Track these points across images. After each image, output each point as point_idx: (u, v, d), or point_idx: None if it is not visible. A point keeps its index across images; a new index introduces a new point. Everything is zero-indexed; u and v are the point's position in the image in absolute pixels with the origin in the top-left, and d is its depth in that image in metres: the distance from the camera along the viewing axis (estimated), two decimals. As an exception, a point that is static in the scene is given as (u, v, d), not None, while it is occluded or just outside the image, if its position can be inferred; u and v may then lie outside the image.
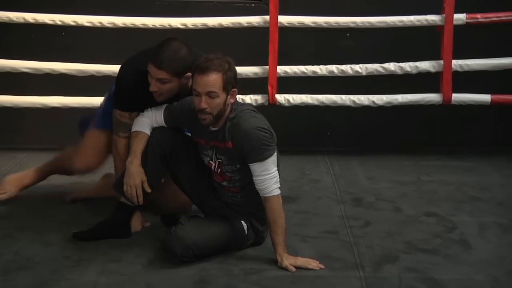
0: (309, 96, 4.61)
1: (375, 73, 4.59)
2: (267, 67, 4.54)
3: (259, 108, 3.31)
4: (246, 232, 3.23)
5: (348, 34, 4.85)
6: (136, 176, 3.24)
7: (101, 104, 3.68)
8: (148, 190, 3.27)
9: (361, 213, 3.78)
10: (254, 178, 3.10)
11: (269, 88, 4.55)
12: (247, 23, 4.52)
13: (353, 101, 4.61)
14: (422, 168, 4.62)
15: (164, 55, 3.18)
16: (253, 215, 3.25)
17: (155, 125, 3.32)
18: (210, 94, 3.04)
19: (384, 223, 3.64)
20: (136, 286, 2.95)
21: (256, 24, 4.53)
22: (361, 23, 4.53)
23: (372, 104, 4.62)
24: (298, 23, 4.54)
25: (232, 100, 3.12)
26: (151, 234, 3.44)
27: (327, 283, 2.97)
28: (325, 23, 4.53)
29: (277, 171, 3.12)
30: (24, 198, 3.92)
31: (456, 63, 4.56)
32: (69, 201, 3.87)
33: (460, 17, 4.53)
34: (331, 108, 4.69)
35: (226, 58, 3.09)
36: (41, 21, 4.48)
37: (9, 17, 4.47)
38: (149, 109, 3.34)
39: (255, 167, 3.08)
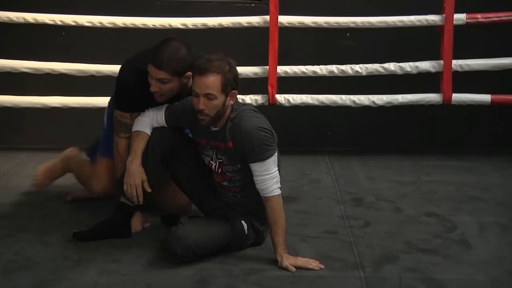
0: (309, 96, 4.61)
1: (375, 73, 4.59)
2: (267, 67, 4.54)
3: (259, 108, 3.31)
4: (246, 232, 3.23)
5: (348, 34, 4.85)
6: (136, 176, 3.24)
7: (104, 123, 3.66)
8: (148, 189, 3.27)
9: (361, 213, 3.78)
10: (254, 178, 3.10)
11: (269, 88, 4.55)
12: (247, 23, 4.53)
13: (353, 101, 4.61)
14: (422, 168, 4.62)
15: (164, 55, 3.18)
16: (253, 215, 3.25)
17: (156, 125, 3.32)
18: (208, 96, 3.04)
19: (384, 223, 3.64)
20: (136, 286, 2.95)
21: (256, 24, 4.53)
22: (361, 23, 4.53)
23: (372, 104, 4.62)
24: (298, 23, 4.54)
25: (231, 102, 3.11)
26: (151, 234, 3.44)
27: (327, 283, 2.97)
28: (325, 23, 4.53)
29: (277, 171, 3.12)
30: (24, 198, 3.93)
31: (456, 63, 4.56)
32: (70, 201, 3.87)
33: (460, 17, 4.53)
34: (331, 108, 4.69)
35: (228, 59, 3.08)
36: (41, 21, 4.48)
37: (9, 17, 4.47)
38: (149, 109, 3.34)
39: (256, 167, 3.08)
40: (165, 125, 3.32)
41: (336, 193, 4.11)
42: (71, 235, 3.35)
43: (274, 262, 3.10)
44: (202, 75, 3.03)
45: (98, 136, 3.75)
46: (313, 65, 4.60)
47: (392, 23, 4.53)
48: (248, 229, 3.24)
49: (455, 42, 4.53)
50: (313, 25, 4.54)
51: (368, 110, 4.68)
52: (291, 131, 4.74)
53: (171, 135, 3.31)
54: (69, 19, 4.47)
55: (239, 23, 4.52)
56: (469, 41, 4.67)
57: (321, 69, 4.59)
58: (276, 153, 3.12)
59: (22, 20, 4.48)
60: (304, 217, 3.71)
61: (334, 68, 4.58)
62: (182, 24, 4.48)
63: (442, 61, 4.57)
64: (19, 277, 3.00)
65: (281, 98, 4.58)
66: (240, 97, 3.20)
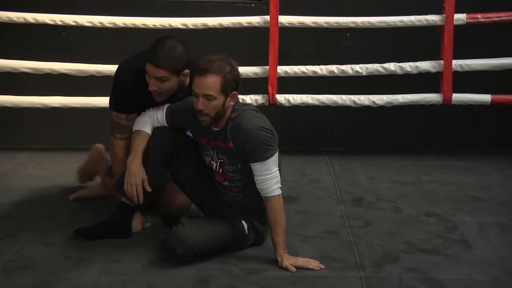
0: (309, 96, 4.61)
1: (376, 73, 4.58)
2: (268, 67, 4.54)
3: (260, 108, 3.31)
4: (246, 232, 3.23)
5: (348, 34, 4.85)
6: (137, 175, 3.24)
7: None
8: (149, 189, 3.27)
9: (361, 213, 3.78)
10: (255, 178, 3.10)
11: (270, 88, 4.55)
12: (247, 23, 4.52)
13: (354, 101, 4.61)
14: (422, 168, 4.62)
15: (161, 53, 3.18)
16: (253, 215, 3.25)
17: (157, 124, 3.32)
18: (207, 97, 3.03)
19: (384, 223, 3.64)
20: (136, 286, 2.95)
21: (256, 24, 4.53)
22: (362, 23, 4.53)
23: (372, 104, 4.62)
24: (298, 23, 4.54)
25: (232, 103, 3.11)
26: (151, 234, 3.44)
27: (327, 283, 2.97)
28: (325, 23, 4.53)
29: (278, 171, 3.12)
30: (24, 198, 3.93)
31: (457, 63, 4.56)
32: (72, 200, 3.87)
33: (460, 17, 4.53)
34: (332, 108, 4.69)
35: (229, 60, 3.08)
36: (41, 21, 4.48)
37: (9, 17, 4.47)
38: (150, 108, 3.34)
39: (257, 167, 3.08)
40: (166, 124, 3.32)
41: (336, 193, 4.11)
42: (73, 231, 3.34)
43: (274, 262, 3.10)
44: (202, 76, 3.03)
45: None
46: (313, 65, 4.60)
47: (392, 23, 4.53)
48: (248, 229, 3.24)
49: (455, 42, 4.53)
50: (313, 25, 4.54)
51: (368, 110, 4.68)
52: (291, 131, 4.74)
53: (172, 135, 3.31)
54: (69, 19, 4.47)
55: (239, 23, 4.52)
56: (469, 41, 4.67)
57: (321, 69, 4.59)
58: (276, 153, 3.12)
59: (22, 20, 4.47)
60: (304, 217, 3.71)
61: (334, 68, 4.58)
62: (182, 24, 4.48)
63: (442, 61, 4.57)
64: (19, 277, 3.00)
65: (281, 98, 4.58)
66: (240, 97, 3.20)
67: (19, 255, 3.20)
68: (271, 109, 4.46)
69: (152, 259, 3.17)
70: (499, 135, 5.08)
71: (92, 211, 3.68)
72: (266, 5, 4.66)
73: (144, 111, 3.37)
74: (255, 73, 4.56)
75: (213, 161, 3.24)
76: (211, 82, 3.02)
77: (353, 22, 4.53)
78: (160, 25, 4.47)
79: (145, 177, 3.26)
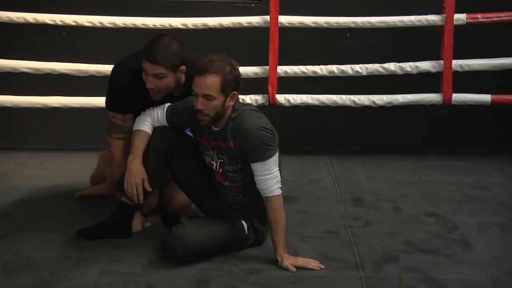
0: (309, 96, 4.61)
1: (376, 73, 4.58)
2: (268, 67, 4.54)
3: (260, 108, 3.31)
4: (246, 232, 3.23)
5: (348, 34, 4.85)
6: (137, 175, 3.24)
7: None
8: (149, 188, 3.27)
9: (361, 213, 3.78)
10: (255, 177, 3.10)
11: (270, 88, 4.55)
12: (247, 23, 4.52)
13: (354, 101, 4.61)
14: (422, 168, 4.62)
15: (158, 50, 3.19)
16: (254, 215, 3.25)
17: (157, 124, 3.32)
18: (207, 97, 3.04)
19: (384, 223, 3.64)
20: (136, 286, 2.94)
21: (256, 24, 4.53)
22: (362, 23, 4.53)
23: (372, 104, 4.62)
24: (298, 23, 4.54)
25: (232, 103, 3.11)
26: (151, 234, 3.44)
27: (327, 283, 2.97)
28: (325, 23, 4.53)
29: (278, 171, 3.12)
30: (24, 198, 3.93)
31: (457, 63, 4.56)
32: (78, 198, 3.87)
33: (460, 17, 4.53)
34: (332, 108, 4.68)
35: (229, 60, 3.08)
36: (41, 21, 4.48)
37: (9, 17, 4.47)
38: (151, 108, 3.34)
39: (257, 167, 3.08)
40: (166, 124, 3.32)
41: (336, 193, 4.11)
42: (76, 232, 3.34)
43: (274, 262, 3.10)
44: (202, 75, 3.03)
45: None
46: (313, 65, 4.60)
47: (392, 23, 4.53)
48: (248, 229, 3.24)
49: (455, 42, 4.53)
50: (313, 25, 4.54)
51: (368, 110, 4.68)
52: (291, 131, 4.74)
53: (172, 135, 3.31)
54: (69, 19, 4.47)
55: (239, 23, 4.52)
56: (469, 41, 4.67)
57: (321, 69, 4.59)
58: (277, 153, 3.12)
59: (22, 20, 4.47)
60: (304, 217, 3.71)
61: (334, 68, 4.58)
62: (182, 24, 4.48)
63: (442, 61, 4.56)
64: (19, 277, 2.99)
65: (281, 98, 4.58)
66: (240, 97, 3.20)
67: (19, 255, 3.20)
68: (271, 109, 4.46)
69: (152, 259, 3.17)
70: (499, 135, 5.08)
71: (93, 211, 3.67)
72: (266, 5, 4.66)
73: (140, 111, 3.38)
74: (255, 73, 4.56)
75: (213, 161, 3.24)
76: (211, 82, 3.02)
77: (353, 22, 4.53)
78: (160, 25, 4.47)
79: (145, 176, 3.26)
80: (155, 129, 3.31)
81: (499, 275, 3.06)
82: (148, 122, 3.31)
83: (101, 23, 4.47)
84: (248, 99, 4.51)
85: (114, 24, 4.47)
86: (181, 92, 3.34)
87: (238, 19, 4.51)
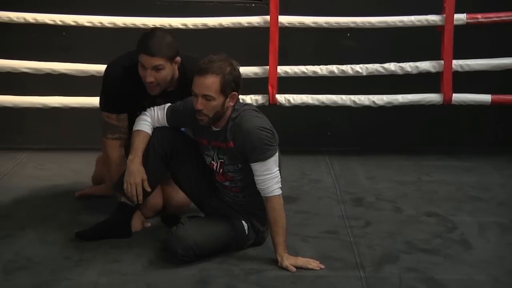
0: (309, 96, 4.61)
1: (376, 73, 4.58)
2: (268, 67, 4.54)
3: (260, 108, 3.31)
4: (246, 232, 3.23)
5: (348, 34, 4.85)
6: (136, 175, 3.24)
7: None
8: (148, 189, 3.27)
9: (361, 213, 3.78)
10: (255, 178, 3.10)
11: (270, 88, 4.55)
12: (247, 23, 4.52)
13: (354, 101, 4.61)
14: (422, 168, 4.62)
15: (154, 43, 3.23)
16: (254, 215, 3.25)
17: (157, 124, 3.32)
18: (206, 97, 3.04)
19: (384, 223, 3.64)
20: (136, 286, 2.94)
21: (256, 24, 4.53)
22: (362, 23, 4.53)
23: (372, 104, 4.62)
24: (298, 23, 4.54)
25: (231, 103, 3.11)
26: (151, 234, 3.44)
27: (327, 283, 2.97)
28: (325, 23, 4.53)
29: (278, 171, 3.12)
30: (24, 198, 3.93)
31: (457, 63, 4.56)
32: (77, 197, 3.87)
33: (460, 17, 4.53)
34: (332, 108, 4.68)
35: (229, 61, 3.08)
36: (41, 21, 4.48)
37: (9, 17, 4.47)
38: (151, 108, 3.34)
39: (257, 167, 3.08)
40: (167, 124, 3.32)
41: (337, 193, 4.11)
42: (74, 234, 3.34)
43: (275, 262, 3.10)
44: (201, 75, 3.03)
45: None
46: (313, 65, 4.60)
47: (392, 23, 4.53)
48: (248, 229, 3.23)
49: (455, 42, 4.53)
50: (313, 25, 4.54)
51: (368, 110, 4.68)
52: (291, 131, 4.74)
53: (172, 135, 3.31)
54: (70, 19, 4.47)
55: (240, 23, 4.52)
56: (469, 41, 4.67)
57: (321, 69, 4.59)
58: (277, 153, 3.12)
59: (22, 20, 4.47)
60: (305, 217, 3.71)
61: (334, 68, 4.58)
62: (182, 24, 4.48)
63: (442, 61, 4.57)
64: (19, 277, 2.99)
65: (281, 98, 4.58)
66: (240, 97, 3.20)
67: (19, 255, 3.20)
68: (271, 109, 4.46)
69: (152, 259, 3.17)
70: (499, 135, 5.08)
71: (92, 211, 3.67)
72: (266, 5, 4.66)
73: (135, 110, 3.39)
74: (255, 73, 4.56)
75: (213, 161, 3.24)
76: (210, 82, 3.02)
77: (353, 22, 4.53)
78: (160, 25, 4.45)
79: (145, 177, 3.26)
80: (155, 129, 3.32)
81: (499, 275, 3.06)
82: (148, 122, 3.31)
83: (101, 23, 4.47)
84: (248, 99, 4.51)
85: (114, 24, 4.47)
86: (175, 87, 3.35)
87: (238, 19, 4.52)
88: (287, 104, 4.60)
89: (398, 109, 4.70)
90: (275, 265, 3.08)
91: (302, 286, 2.95)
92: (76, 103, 4.58)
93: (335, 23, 4.53)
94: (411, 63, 4.58)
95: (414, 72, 4.59)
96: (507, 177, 4.44)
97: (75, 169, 4.44)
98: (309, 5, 4.80)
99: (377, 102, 4.61)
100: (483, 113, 4.90)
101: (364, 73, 4.58)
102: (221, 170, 3.23)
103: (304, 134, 5.03)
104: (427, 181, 4.37)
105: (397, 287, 2.95)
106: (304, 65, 4.59)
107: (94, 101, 4.49)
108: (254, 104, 4.44)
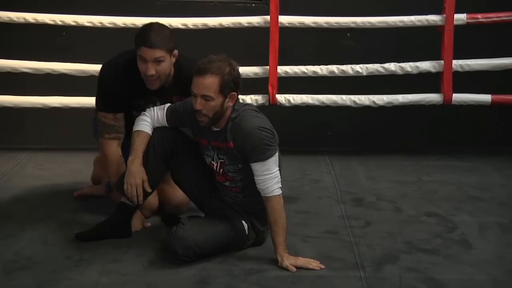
0: (309, 96, 4.61)
1: (376, 73, 4.59)
2: (268, 67, 4.54)
3: (260, 108, 3.31)
4: (246, 232, 3.23)
5: (348, 34, 4.85)
6: (137, 176, 3.24)
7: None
8: (149, 189, 3.27)
9: (361, 213, 3.78)
10: (255, 178, 3.10)
11: (270, 88, 4.55)
12: (247, 23, 4.52)
13: (354, 101, 4.61)
14: (422, 168, 4.62)
15: (153, 35, 3.25)
16: (254, 215, 3.25)
17: (157, 125, 3.32)
18: (205, 97, 3.03)
19: (384, 223, 3.64)
20: (136, 286, 2.94)
21: (256, 24, 4.53)
22: (362, 23, 4.53)
23: (372, 104, 4.62)
24: (298, 23, 4.54)
25: (231, 104, 3.11)
26: (151, 234, 3.44)
27: (327, 283, 2.97)
28: (325, 23, 4.53)
29: (278, 171, 3.12)
30: (24, 198, 3.93)
31: (457, 63, 4.56)
32: (76, 197, 3.87)
33: (460, 17, 4.53)
34: (332, 108, 4.68)
35: (229, 61, 3.08)
36: (41, 21, 4.48)
37: (9, 17, 4.47)
38: (151, 108, 3.34)
39: (257, 167, 3.08)
40: (167, 125, 3.32)
41: (337, 193, 4.10)
42: (75, 236, 3.34)
43: (275, 262, 3.10)
44: (200, 76, 3.03)
45: None
46: (313, 65, 4.60)
47: (392, 23, 4.53)
48: (248, 229, 3.23)
49: (455, 42, 4.53)
50: (313, 25, 4.54)
51: (369, 110, 4.68)
52: (291, 131, 4.74)
53: (172, 135, 3.31)
54: (70, 19, 4.47)
55: (240, 23, 4.52)
56: (469, 41, 4.67)
57: (321, 69, 4.59)
58: (277, 153, 3.12)
59: (22, 20, 4.48)
60: (305, 217, 3.71)
61: (334, 68, 4.58)
62: (183, 24, 4.48)
63: (442, 61, 4.57)
64: (19, 277, 2.99)
65: (281, 98, 4.58)
66: (240, 97, 3.20)
67: (19, 255, 3.20)
68: (271, 109, 4.46)
69: (152, 259, 3.17)
70: (499, 135, 5.08)
71: (92, 211, 3.68)
72: (266, 5, 4.66)
73: (131, 110, 3.39)
74: (255, 73, 4.56)
75: (213, 161, 3.24)
76: (209, 83, 3.02)
77: (353, 22, 4.53)
78: (160, 25, 4.47)
79: (145, 177, 3.25)
80: (155, 129, 3.31)
81: (499, 275, 3.06)
82: (148, 123, 3.31)
83: (101, 23, 4.47)
84: (248, 99, 4.51)
85: (114, 24, 4.47)
86: (170, 84, 3.36)
87: (238, 19, 4.52)
88: (287, 104, 4.61)
89: (398, 109, 4.70)
90: (275, 265, 3.08)
91: (302, 286, 2.95)
92: (76, 103, 4.58)
93: (335, 23, 4.53)
94: (411, 63, 4.58)
95: (414, 72, 4.59)
96: (507, 177, 4.44)
97: (75, 169, 4.45)
98: (309, 5, 4.80)
99: (377, 102, 4.61)
100: (483, 113, 4.90)
101: (364, 73, 4.58)
102: (221, 170, 3.23)
103: (304, 134, 5.03)
104: (427, 181, 4.37)
105: (397, 287, 2.95)
106: (304, 65, 4.60)
107: (94, 101, 4.49)
108: (254, 104, 4.44)
